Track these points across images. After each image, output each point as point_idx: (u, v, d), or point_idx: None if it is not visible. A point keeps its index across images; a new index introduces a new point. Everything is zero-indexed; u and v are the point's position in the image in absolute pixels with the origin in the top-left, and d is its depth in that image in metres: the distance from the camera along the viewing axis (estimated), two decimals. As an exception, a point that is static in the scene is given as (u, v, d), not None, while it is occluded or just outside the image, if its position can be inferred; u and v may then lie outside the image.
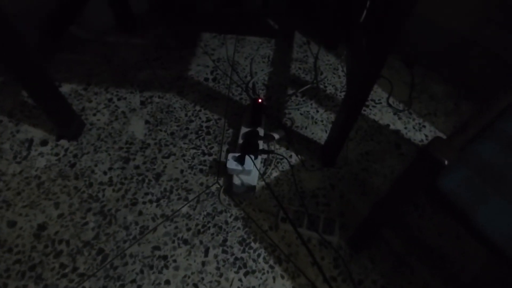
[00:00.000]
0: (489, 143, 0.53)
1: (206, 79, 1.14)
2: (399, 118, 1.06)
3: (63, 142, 1.01)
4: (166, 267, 0.80)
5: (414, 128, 1.04)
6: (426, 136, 1.02)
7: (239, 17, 1.31)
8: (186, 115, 1.06)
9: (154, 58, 1.20)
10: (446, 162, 0.46)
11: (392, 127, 1.04)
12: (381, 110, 1.07)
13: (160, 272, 0.79)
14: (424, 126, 1.04)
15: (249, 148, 0.90)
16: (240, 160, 0.86)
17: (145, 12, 1.35)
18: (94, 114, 1.07)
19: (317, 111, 1.07)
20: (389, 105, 1.08)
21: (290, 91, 1.11)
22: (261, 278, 0.78)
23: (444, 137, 1.05)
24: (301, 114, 1.06)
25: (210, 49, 1.23)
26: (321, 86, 1.12)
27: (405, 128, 1.04)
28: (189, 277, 0.78)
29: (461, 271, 0.79)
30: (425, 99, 1.10)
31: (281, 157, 0.96)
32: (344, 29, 1.20)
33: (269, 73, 1.16)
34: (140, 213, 0.88)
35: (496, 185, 0.49)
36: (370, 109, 1.07)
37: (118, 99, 1.10)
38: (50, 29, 1.18)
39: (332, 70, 1.17)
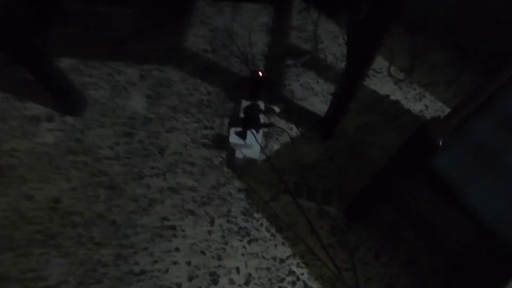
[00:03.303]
0: (485, 122, 0.55)
1: (205, 50, 1.13)
2: (400, 88, 1.06)
3: (68, 118, 1.03)
4: (175, 236, 0.86)
5: (414, 98, 1.04)
6: (426, 106, 1.03)
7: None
8: (186, 88, 1.06)
9: (148, 29, 1.18)
10: (440, 142, 0.49)
11: (392, 97, 1.04)
12: (382, 80, 1.07)
13: (169, 241, 0.86)
14: (425, 96, 1.05)
15: (250, 122, 0.92)
16: (242, 135, 0.89)
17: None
18: (96, 90, 1.07)
19: (317, 82, 1.07)
20: (390, 75, 1.07)
21: (289, 61, 1.10)
22: (263, 245, 0.84)
23: (444, 106, 1.05)
24: (301, 85, 1.06)
25: (207, 18, 1.19)
26: (321, 55, 1.11)
27: (405, 98, 1.04)
28: (196, 245, 0.85)
29: (449, 241, 0.85)
30: (426, 68, 1.09)
31: (282, 130, 0.98)
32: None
33: (268, 42, 1.14)
34: (148, 186, 0.93)
35: (487, 164, 0.52)
36: (371, 79, 1.07)
37: (118, 73, 1.10)
38: (44, 4, 1.14)
39: (333, 38, 1.14)
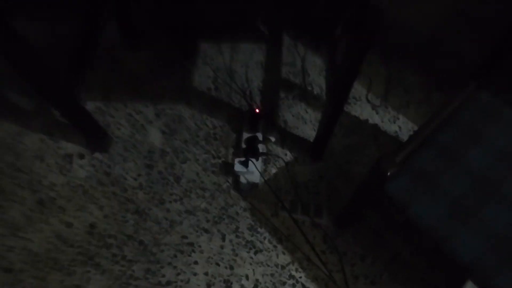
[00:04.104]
0: (425, 153, 0.72)
1: (209, 89, 1.32)
2: (377, 113, 1.23)
3: (96, 154, 1.21)
4: (193, 251, 1.03)
5: (389, 120, 1.22)
6: (399, 127, 1.20)
7: (233, 25, 1.44)
8: (195, 123, 1.25)
9: (160, 72, 1.37)
10: (388, 173, 0.66)
11: (370, 121, 1.22)
12: (361, 106, 1.25)
13: (189, 255, 1.03)
14: (398, 118, 1.22)
15: (250, 152, 1.10)
16: (245, 164, 1.07)
17: (146, 26, 1.49)
18: (118, 128, 1.26)
19: (306, 112, 1.24)
20: (368, 101, 1.25)
21: (282, 94, 1.28)
22: (267, 255, 1.01)
23: (415, 126, 1.22)
24: (292, 115, 1.24)
25: (209, 59, 1.38)
26: (309, 88, 1.29)
27: (382, 121, 1.22)
28: (212, 258, 1.02)
29: (427, 243, 1.01)
30: (400, 92, 1.27)
31: (277, 156, 1.15)
32: (327, 35, 1.33)
33: (263, 78, 1.32)
34: (168, 210, 1.10)
35: (427, 186, 0.69)
36: (352, 106, 1.25)
37: (136, 113, 1.28)
38: (77, 58, 1.33)
39: (318, 71, 1.33)
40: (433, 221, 0.66)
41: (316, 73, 1.32)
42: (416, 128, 1.19)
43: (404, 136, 1.19)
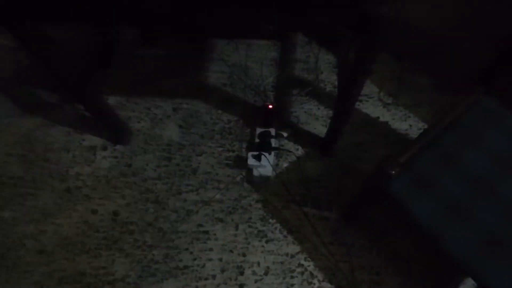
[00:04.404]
0: (426, 156, 0.75)
1: (224, 85, 1.37)
2: (388, 110, 1.26)
3: (118, 146, 1.29)
4: (209, 238, 1.10)
5: (400, 118, 1.24)
6: (410, 125, 1.23)
7: (249, 23, 1.48)
8: (211, 118, 1.30)
9: (178, 68, 1.42)
10: (392, 173, 0.70)
11: (381, 119, 1.25)
12: (373, 104, 1.28)
13: (205, 242, 1.10)
14: (409, 116, 1.24)
15: (264, 146, 1.15)
16: (258, 157, 1.12)
17: (163, 25, 1.54)
18: (138, 122, 1.33)
19: (318, 108, 1.28)
20: (380, 99, 1.28)
21: (295, 91, 1.32)
22: (278, 244, 1.07)
23: (425, 125, 1.25)
24: (305, 112, 1.28)
25: (225, 55, 1.43)
26: (322, 85, 1.32)
27: (393, 119, 1.24)
28: (226, 245, 1.09)
29: (426, 239, 1.05)
30: (412, 91, 1.28)
31: (289, 151, 1.20)
32: (338, 36, 1.35)
33: (277, 75, 1.36)
34: (185, 200, 1.17)
35: (427, 188, 0.73)
36: (363, 104, 1.28)
37: (155, 107, 1.35)
38: (99, 56, 1.40)
39: (332, 68, 1.35)
40: (431, 220, 0.71)
41: (329, 71, 1.35)
42: (426, 127, 1.22)
43: (414, 135, 1.22)
